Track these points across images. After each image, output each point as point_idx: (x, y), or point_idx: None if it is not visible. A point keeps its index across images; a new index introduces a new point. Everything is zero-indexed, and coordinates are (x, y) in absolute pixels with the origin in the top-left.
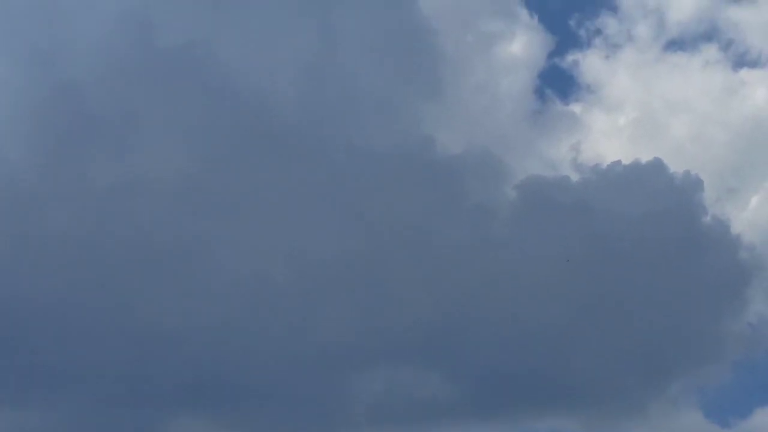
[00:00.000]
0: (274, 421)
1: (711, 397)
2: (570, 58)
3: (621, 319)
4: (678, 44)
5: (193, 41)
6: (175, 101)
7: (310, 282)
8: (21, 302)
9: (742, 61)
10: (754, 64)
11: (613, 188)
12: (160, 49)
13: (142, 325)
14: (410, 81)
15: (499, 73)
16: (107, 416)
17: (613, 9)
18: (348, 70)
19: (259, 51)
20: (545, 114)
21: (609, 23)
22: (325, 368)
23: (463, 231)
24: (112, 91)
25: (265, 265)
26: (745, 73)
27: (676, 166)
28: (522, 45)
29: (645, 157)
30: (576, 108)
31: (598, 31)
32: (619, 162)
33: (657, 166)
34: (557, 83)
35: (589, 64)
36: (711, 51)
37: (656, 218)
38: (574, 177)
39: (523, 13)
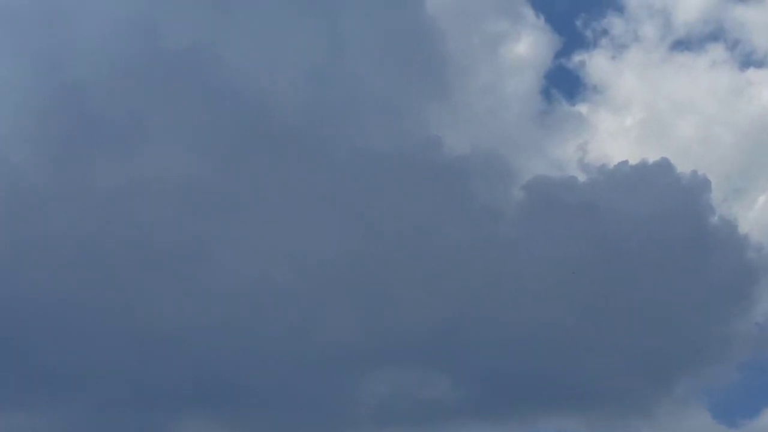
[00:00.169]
0: (277, 422)
1: (718, 398)
2: (576, 58)
3: (628, 319)
4: (684, 44)
5: (197, 43)
6: (180, 103)
7: (315, 283)
8: (24, 304)
9: (748, 61)
10: (760, 64)
11: (620, 188)
12: (165, 52)
13: (146, 327)
14: (416, 82)
15: (506, 74)
16: (111, 418)
17: (620, 9)
18: (353, 72)
19: (263, 53)
20: (552, 114)
21: (615, 23)
22: (329, 369)
23: (470, 232)
24: (116, 93)
25: (270, 266)
26: (752, 73)
27: (683, 167)
28: (528, 45)
29: (652, 158)
30: (582, 108)
31: (605, 32)
32: (626, 162)
33: (664, 166)
34: (564, 84)
35: (596, 64)
36: (718, 51)
37: (663, 218)
38: (581, 177)
39: (530, 14)
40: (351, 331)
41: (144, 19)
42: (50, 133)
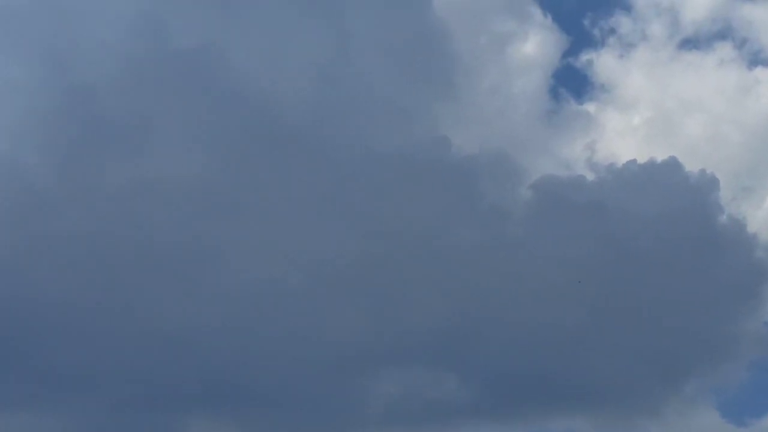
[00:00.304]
0: (286, 423)
1: (727, 397)
2: (584, 57)
3: (636, 319)
4: (692, 43)
5: (205, 44)
6: (188, 104)
7: (323, 284)
8: (33, 304)
9: (756, 59)
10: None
11: (628, 187)
12: (173, 52)
13: (155, 328)
14: (424, 82)
15: (513, 74)
16: (120, 418)
17: (627, 8)
18: (360, 72)
19: (270, 54)
20: (560, 114)
21: (623, 22)
22: (337, 370)
23: (478, 231)
24: (124, 94)
25: (278, 267)
26: (759, 71)
27: (691, 165)
28: (536, 45)
29: (660, 157)
30: (590, 107)
31: (612, 31)
32: (634, 161)
33: (672, 165)
34: (571, 83)
35: (603, 63)
36: (725, 49)
37: (672, 217)
38: (589, 176)
39: (537, 13)
40: (358, 332)
41: (151, 21)
42: (59, 134)
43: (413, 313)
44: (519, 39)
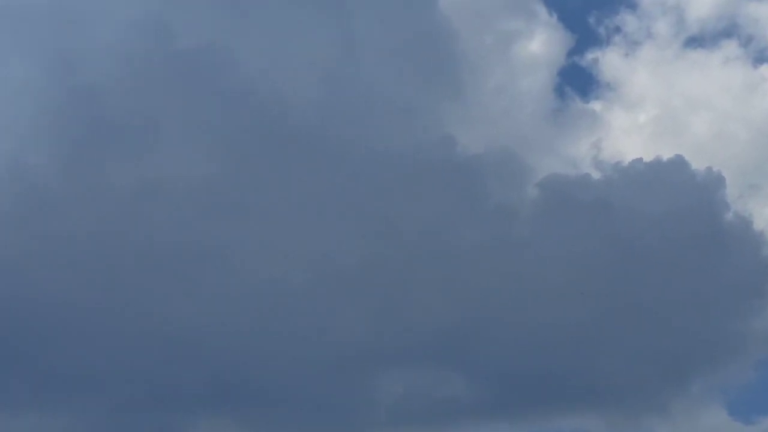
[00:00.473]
0: (292, 423)
1: (734, 396)
2: (589, 56)
3: (643, 318)
4: (698, 41)
5: (211, 44)
6: (194, 104)
7: (328, 284)
8: (38, 305)
9: (762, 57)
10: None
11: (635, 186)
12: (179, 52)
13: (161, 328)
14: (429, 81)
15: (519, 72)
16: (126, 419)
17: (633, 6)
18: (367, 72)
19: (276, 54)
20: (565, 112)
21: (628, 20)
22: (344, 370)
23: (484, 231)
24: (130, 94)
25: (285, 267)
26: (765, 69)
27: (697, 164)
28: (541, 43)
29: (666, 155)
30: (596, 106)
31: (618, 29)
32: (640, 159)
33: (678, 163)
34: (577, 81)
35: (609, 61)
36: (731, 47)
37: (678, 216)
38: (596, 175)
39: (542, 12)
40: (365, 331)
41: (157, 21)
42: (64, 135)
43: (418, 312)
44: (524, 38)
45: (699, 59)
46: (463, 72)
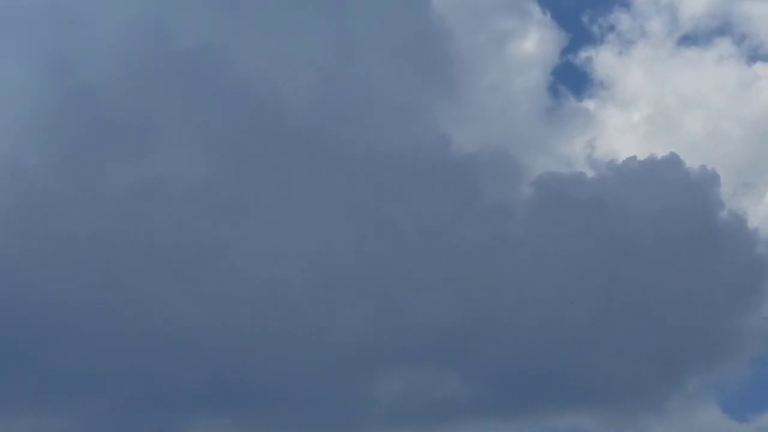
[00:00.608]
0: (292, 422)
1: (729, 393)
2: (583, 54)
3: (638, 316)
4: (691, 39)
5: (208, 44)
6: (192, 104)
7: (328, 284)
8: (37, 306)
9: (755, 55)
10: (767, 57)
11: (629, 184)
12: (176, 53)
13: (160, 328)
14: (424, 81)
15: (513, 71)
16: (126, 419)
17: (626, 5)
18: (362, 72)
19: (273, 54)
20: (559, 111)
21: (622, 19)
22: (342, 369)
23: (480, 230)
24: (127, 94)
25: (283, 267)
26: (759, 67)
27: (691, 162)
28: (535, 42)
29: (660, 153)
30: (590, 104)
31: (611, 27)
32: (634, 158)
33: (673, 161)
34: (571, 80)
35: (603, 60)
36: (725, 45)
37: (672, 214)
38: (590, 173)
39: (536, 11)
40: (361, 331)
41: (154, 22)
42: (62, 135)
43: (416, 312)
44: (518, 37)
45: (693, 57)
46: (458, 71)
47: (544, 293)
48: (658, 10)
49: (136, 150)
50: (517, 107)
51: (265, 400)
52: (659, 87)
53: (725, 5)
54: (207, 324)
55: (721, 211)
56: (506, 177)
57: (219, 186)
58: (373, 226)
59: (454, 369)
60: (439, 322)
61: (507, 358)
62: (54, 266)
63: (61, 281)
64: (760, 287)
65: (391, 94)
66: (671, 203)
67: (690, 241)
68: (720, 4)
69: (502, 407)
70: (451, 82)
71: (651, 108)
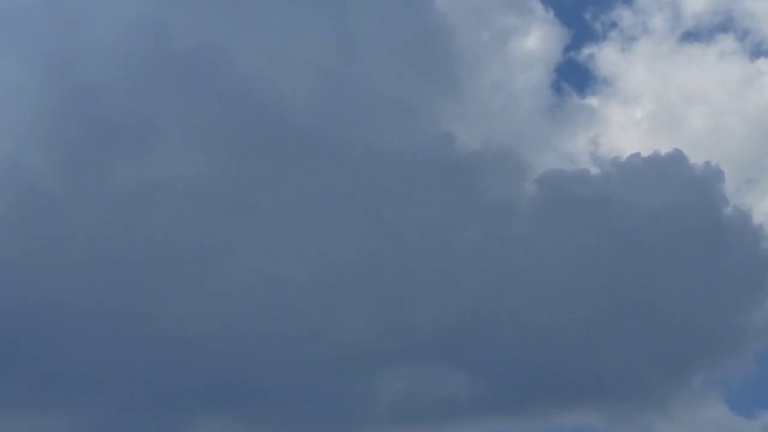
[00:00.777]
0: (294, 422)
1: (735, 390)
2: (586, 51)
3: (643, 313)
4: (694, 35)
5: (208, 44)
6: (192, 104)
7: (330, 283)
8: (38, 306)
9: (758, 50)
10: None
11: (633, 181)
12: (177, 53)
13: (161, 328)
14: (426, 79)
15: (516, 69)
16: (128, 420)
17: (628, 1)
18: (364, 70)
19: (274, 53)
20: (562, 108)
21: (624, 16)
22: (345, 368)
23: (483, 227)
24: (128, 95)
25: (285, 266)
26: (762, 62)
27: (695, 158)
28: (538, 39)
29: (664, 149)
30: (593, 101)
31: (614, 24)
32: (638, 154)
33: (677, 157)
34: (574, 77)
35: (606, 57)
36: (727, 41)
37: (677, 210)
38: (593, 170)
39: (538, 8)
40: (365, 330)
41: (154, 21)
42: (62, 136)
43: (419, 310)
44: (520, 34)
45: (695, 54)
46: (460, 69)
47: (548, 291)
48: (660, 7)
49: (136, 150)
50: (519, 105)
51: (267, 399)
52: (662, 83)
53: (728, 1)
54: (208, 324)
55: (725, 207)
56: (509, 175)
57: (220, 186)
58: (376, 225)
59: (457, 367)
60: (442, 320)
61: (510, 356)
62: (54, 266)
63: (62, 281)
64: (765, 283)
65: (393, 92)
66: (675, 199)
67: (694, 238)
68: (722, 1)
69: (506, 405)
70: (453, 80)
71: (654, 104)
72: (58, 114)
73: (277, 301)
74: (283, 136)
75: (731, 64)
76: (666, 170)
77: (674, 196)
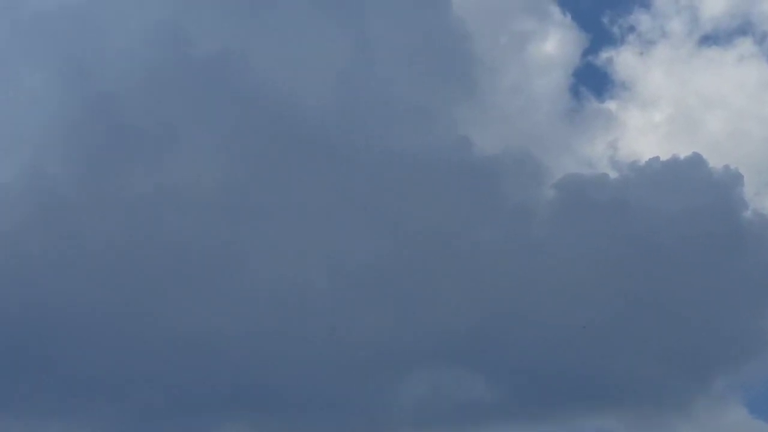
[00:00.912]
0: (315, 426)
1: (755, 394)
2: (604, 55)
3: (663, 317)
4: (712, 39)
5: (227, 50)
6: (210, 110)
7: (350, 286)
8: (60, 312)
9: None
10: None
11: (652, 185)
12: (195, 59)
13: (182, 334)
14: (445, 83)
15: (534, 73)
16: (149, 425)
17: (646, 5)
18: (382, 75)
19: (292, 58)
20: (581, 112)
21: (642, 19)
22: (365, 372)
23: (502, 231)
24: (146, 101)
25: (304, 270)
26: None
27: (714, 161)
28: (556, 44)
29: (683, 153)
30: (611, 105)
31: (632, 28)
32: (657, 158)
33: (696, 161)
34: (592, 81)
35: (624, 61)
36: (746, 45)
37: (696, 214)
38: (612, 174)
39: (556, 12)
40: (384, 334)
41: (173, 28)
42: (82, 142)
43: (439, 314)
44: (539, 38)
45: (713, 57)
46: (478, 73)
47: (568, 295)
48: (678, 11)
49: (156, 156)
50: (538, 109)
51: (287, 404)
52: (680, 87)
53: (746, 5)
54: (227, 328)
55: (744, 210)
56: (528, 179)
57: (239, 191)
58: (395, 229)
59: (478, 371)
60: (463, 324)
61: (531, 360)
62: (75, 273)
63: (83, 288)
64: None
65: (411, 96)
66: (694, 203)
67: (714, 241)
68: (740, 4)
69: (527, 409)
70: (471, 84)
71: (673, 108)
72: (78, 120)
73: (297, 305)
74: (302, 140)
75: (749, 68)
76: (685, 174)
77: (693, 199)
